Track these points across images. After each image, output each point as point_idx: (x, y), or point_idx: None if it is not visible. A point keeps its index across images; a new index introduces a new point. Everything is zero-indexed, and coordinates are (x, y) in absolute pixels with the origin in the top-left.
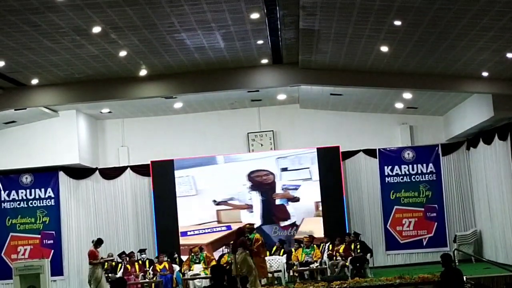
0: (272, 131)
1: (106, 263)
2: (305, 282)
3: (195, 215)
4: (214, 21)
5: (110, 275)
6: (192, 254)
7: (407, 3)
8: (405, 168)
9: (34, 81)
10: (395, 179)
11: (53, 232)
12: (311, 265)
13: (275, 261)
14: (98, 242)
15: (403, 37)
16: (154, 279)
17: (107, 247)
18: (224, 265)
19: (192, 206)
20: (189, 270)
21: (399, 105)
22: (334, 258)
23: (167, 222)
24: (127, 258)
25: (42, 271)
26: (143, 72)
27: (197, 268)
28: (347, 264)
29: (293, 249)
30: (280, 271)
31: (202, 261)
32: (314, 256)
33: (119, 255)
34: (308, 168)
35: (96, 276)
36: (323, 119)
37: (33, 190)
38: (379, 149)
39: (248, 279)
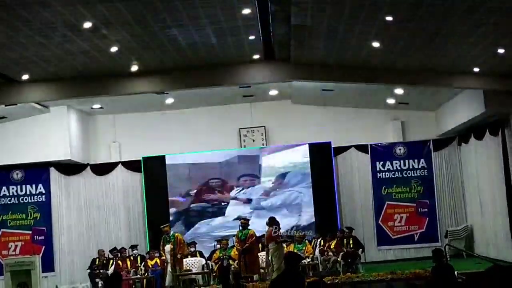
0: (264, 126)
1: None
2: None
3: None
4: (206, 16)
5: (101, 271)
6: (164, 234)
7: None
8: (396, 163)
9: (25, 77)
10: (387, 175)
11: (44, 228)
12: (302, 261)
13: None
14: (271, 221)
15: (394, 33)
16: (146, 275)
17: (98, 244)
18: (216, 261)
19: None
20: (162, 250)
21: (390, 101)
22: (326, 253)
23: (159, 218)
24: (119, 254)
25: (33, 267)
26: (134, 68)
27: (167, 250)
28: (339, 259)
29: (284, 245)
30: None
31: (173, 240)
32: (305, 251)
33: (111, 251)
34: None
35: (279, 254)
36: (315, 115)
37: (24, 186)
38: (370, 145)
39: (240, 274)
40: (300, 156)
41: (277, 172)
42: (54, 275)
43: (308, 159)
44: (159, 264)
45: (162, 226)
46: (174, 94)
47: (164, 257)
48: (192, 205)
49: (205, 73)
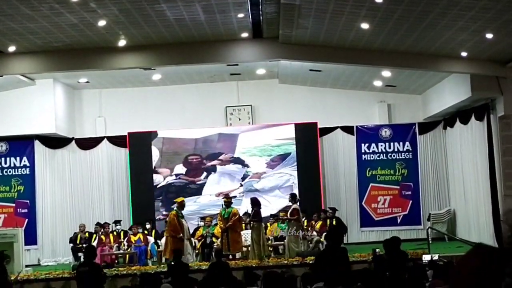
0: (251, 105)
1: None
2: (279, 256)
3: None
4: None
5: (84, 245)
6: (180, 207)
7: None
8: (381, 145)
9: (11, 49)
10: (372, 157)
11: (28, 201)
12: (285, 240)
13: (249, 235)
14: (293, 198)
15: (383, 14)
16: (129, 250)
17: (82, 218)
18: (199, 238)
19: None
20: (181, 227)
21: (377, 83)
22: (309, 233)
23: (143, 193)
24: (102, 229)
25: (15, 240)
26: (122, 43)
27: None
28: (321, 239)
29: (268, 224)
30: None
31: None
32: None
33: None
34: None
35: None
36: (302, 95)
37: (8, 159)
38: (356, 126)
39: (222, 252)
40: (286, 135)
41: (260, 151)
42: (37, 248)
43: (294, 138)
44: (142, 240)
45: (179, 199)
46: (161, 70)
47: (187, 237)
48: (174, 181)
49: (193, 50)
